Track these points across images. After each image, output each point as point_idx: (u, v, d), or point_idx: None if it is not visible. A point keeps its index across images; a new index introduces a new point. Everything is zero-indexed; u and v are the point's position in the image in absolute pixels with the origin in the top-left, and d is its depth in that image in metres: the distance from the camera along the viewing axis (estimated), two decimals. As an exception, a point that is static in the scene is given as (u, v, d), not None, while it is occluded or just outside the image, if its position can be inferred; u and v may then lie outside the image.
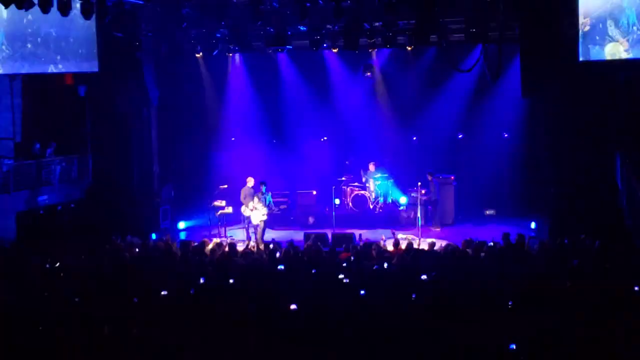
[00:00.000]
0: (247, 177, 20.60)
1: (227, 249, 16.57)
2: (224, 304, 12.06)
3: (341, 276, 14.09)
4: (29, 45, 19.79)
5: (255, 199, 19.87)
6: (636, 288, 12.55)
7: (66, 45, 19.69)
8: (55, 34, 19.70)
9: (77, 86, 21.08)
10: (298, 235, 19.85)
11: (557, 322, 11.48)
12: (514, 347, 10.50)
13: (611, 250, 15.45)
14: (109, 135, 21.02)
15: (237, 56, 23.77)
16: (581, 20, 17.67)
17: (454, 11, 19.03)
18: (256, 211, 19.85)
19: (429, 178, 21.83)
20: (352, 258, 15.87)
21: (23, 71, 20.19)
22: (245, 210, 20.13)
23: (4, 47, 19.82)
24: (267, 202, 20.09)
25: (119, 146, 21.03)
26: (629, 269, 13.68)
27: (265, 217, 19.94)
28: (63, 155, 21.11)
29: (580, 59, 18.04)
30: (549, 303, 12.58)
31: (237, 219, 21.32)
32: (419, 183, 20.71)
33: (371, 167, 23.03)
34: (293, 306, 11.88)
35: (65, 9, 16.43)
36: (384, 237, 18.07)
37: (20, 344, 10.05)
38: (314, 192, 23.03)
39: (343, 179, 23.23)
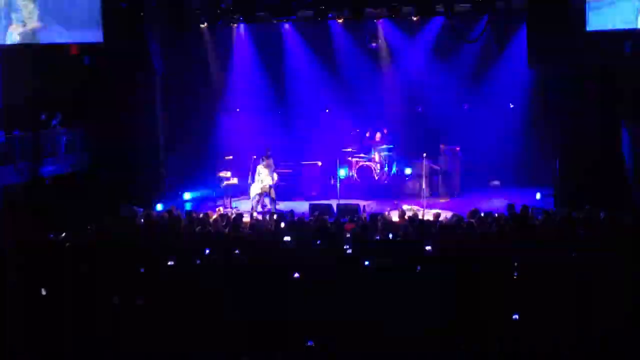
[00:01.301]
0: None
1: (232, 219, 16.62)
2: (228, 274, 12.16)
3: (346, 247, 14.15)
4: (34, 16, 19.75)
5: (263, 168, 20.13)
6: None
7: (71, 15, 19.63)
8: (60, 4, 19.65)
9: (82, 56, 21.02)
10: (303, 207, 19.91)
11: (561, 292, 11.52)
12: (517, 317, 10.58)
13: (617, 221, 15.47)
14: (114, 106, 20.93)
15: (241, 26, 23.61)
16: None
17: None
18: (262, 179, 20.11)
19: (442, 148, 21.89)
20: (357, 229, 15.94)
21: (28, 41, 20.15)
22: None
23: (12, 16, 19.81)
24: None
25: (123, 116, 20.94)
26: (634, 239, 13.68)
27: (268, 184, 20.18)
28: (68, 126, 21.11)
29: (588, 28, 17.94)
30: (554, 274, 12.62)
31: (243, 190, 21.38)
32: (424, 154, 20.68)
33: (377, 136, 23.03)
34: (296, 275, 11.97)
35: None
36: (389, 209, 18.11)
37: (27, 314, 10.14)
38: (319, 164, 22.99)
39: (348, 150, 23.19)
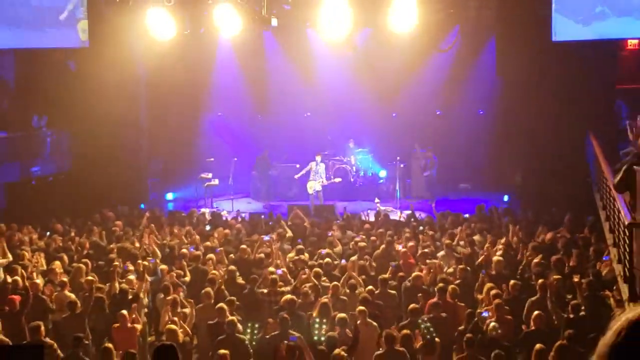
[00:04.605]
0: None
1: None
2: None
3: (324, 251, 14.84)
4: (20, 20, 20.12)
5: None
6: (605, 258, 13.36)
7: (57, 19, 20.02)
8: (46, 8, 20.06)
9: (68, 61, 21.48)
10: (281, 207, 20.59)
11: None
12: (487, 314, 11.35)
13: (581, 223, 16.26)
14: (100, 108, 21.21)
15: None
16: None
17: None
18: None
19: (415, 152, 22.69)
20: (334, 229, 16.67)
21: (14, 45, 20.51)
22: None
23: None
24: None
25: (108, 119, 21.23)
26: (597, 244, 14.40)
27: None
28: (55, 128, 21.57)
29: (554, 38, 18.68)
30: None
31: (223, 190, 22.03)
32: (398, 157, 21.44)
33: (350, 143, 23.74)
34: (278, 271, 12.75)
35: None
36: (362, 213, 18.89)
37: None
38: (297, 166, 23.58)
39: (325, 152, 23.78)
